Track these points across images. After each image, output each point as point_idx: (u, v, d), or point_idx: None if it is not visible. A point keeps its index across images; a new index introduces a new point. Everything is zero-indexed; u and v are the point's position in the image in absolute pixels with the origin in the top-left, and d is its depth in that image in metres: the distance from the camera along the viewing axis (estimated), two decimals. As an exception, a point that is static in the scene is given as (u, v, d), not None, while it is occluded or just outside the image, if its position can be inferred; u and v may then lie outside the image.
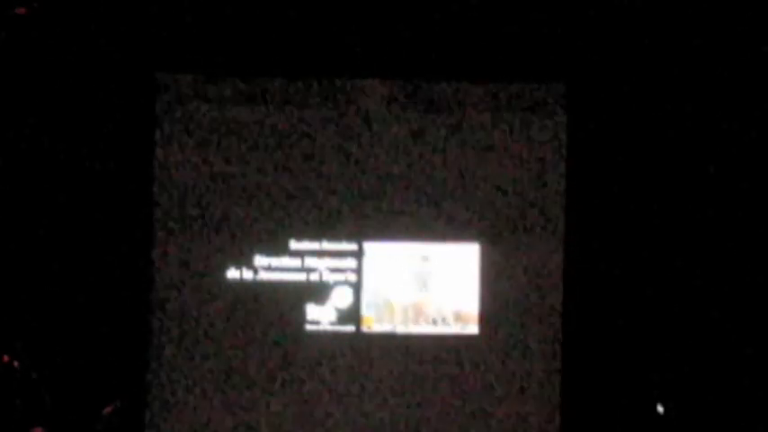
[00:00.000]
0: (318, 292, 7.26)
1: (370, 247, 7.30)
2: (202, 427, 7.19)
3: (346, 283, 7.27)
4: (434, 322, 7.27)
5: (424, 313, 7.26)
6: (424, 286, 7.27)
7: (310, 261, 7.28)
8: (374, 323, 7.27)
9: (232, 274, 7.24)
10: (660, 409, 7.17)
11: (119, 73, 7.13)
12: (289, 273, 7.27)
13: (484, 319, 7.25)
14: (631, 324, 7.16)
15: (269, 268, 7.26)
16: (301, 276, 7.27)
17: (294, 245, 7.28)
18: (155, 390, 7.15)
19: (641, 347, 7.16)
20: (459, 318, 7.26)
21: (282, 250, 7.27)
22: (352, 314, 7.26)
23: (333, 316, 7.27)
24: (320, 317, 7.26)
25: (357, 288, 7.27)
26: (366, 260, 7.29)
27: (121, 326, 7.08)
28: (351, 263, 7.28)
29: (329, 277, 7.27)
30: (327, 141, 7.33)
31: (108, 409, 6.88)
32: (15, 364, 6.81)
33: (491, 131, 7.34)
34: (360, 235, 7.31)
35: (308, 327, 7.25)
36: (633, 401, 7.16)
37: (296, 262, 7.27)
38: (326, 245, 7.29)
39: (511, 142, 7.34)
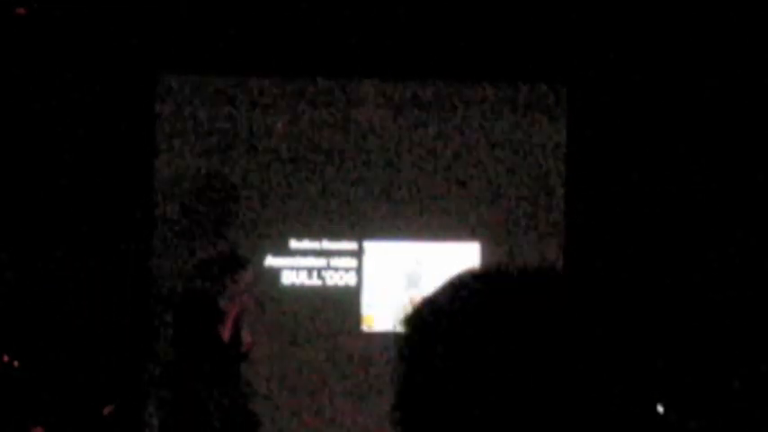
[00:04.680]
0: (318, 291, 7.27)
1: (370, 247, 7.30)
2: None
3: (346, 282, 7.29)
4: (434, 322, 7.27)
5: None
6: (424, 285, 7.27)
7: (310, 261, 7.28)
8: (374, 322, 7.27)
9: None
10: (660, 409, 7.17)
11: (120, 73, 7.13)
12: (289, 272, 7.28)
13: (484, 318, 7.25)
14: (631, 323, 7.15)
15: (269, 267, 7.26)
16: (301, 275, 7.27)
17: (294, 245, 7.29)
18: (154, 390, 7.15)
19: (641, 346, 7.15)
20: (459, 317, 7.26)
21: (282, 250, 7.28)
22: (352, 313, 7.27)
23: (333, 315, 7.27)
24: (320, 316, 7.26)
25: (357, 288, 7.28)
26: (366, 260, 7.29)
27: (121, 326, 7.08)
28: (351, 262, 7.29)
29: (329, 277, 7.28)
30: (327, 142, 7.33)
31: (108, 409, 6.88)
32: (15, 364, 6.82)
33: (491, 131, 7.35)
34: (360, 235, 7.32)
35: (309, 326, 7.25)
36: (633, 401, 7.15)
37: (296, 261, 7.28)
38: (326, 244, 7.29)
39: (511, 142, 7.35)
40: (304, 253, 7.29)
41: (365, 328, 7.26)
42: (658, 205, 7.23)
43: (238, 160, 7.29)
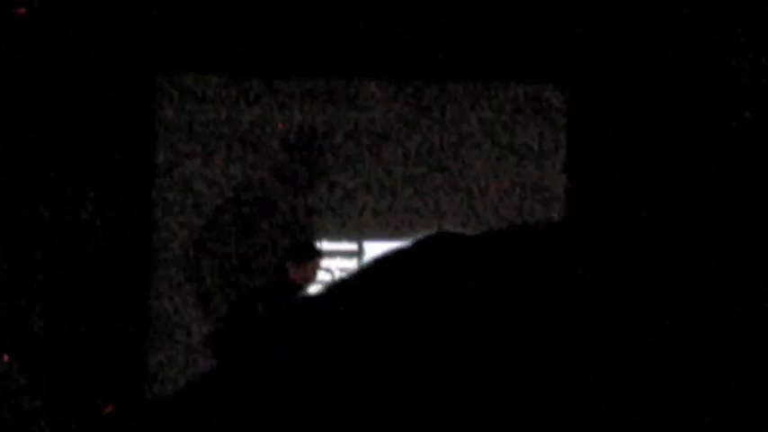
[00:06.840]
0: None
1: (370, 247, 7.29)
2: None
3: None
4: (434, 322, 7.26)
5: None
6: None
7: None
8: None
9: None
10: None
11: (119, 74, 7.13)
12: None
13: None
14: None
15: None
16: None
17: (294, 245, 7.28)
18: (154, 389, 7.16)
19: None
20: (459, 317, 7.25)
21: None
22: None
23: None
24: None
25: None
26: (366, 260, 7.28)
27: (122, 326, 7.08)
28: (351, 263, 7.28)
29: (329, 277, 7.28)
30: (327, 142, 7.33)
31: (108, 409, 6.87)
32: (15, 364, 6.81)
33: (491, 131, 7.35)
34: (360, 235, 7.30)
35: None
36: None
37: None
38: (326, 245, 7.28)
39: (511, 142, 7.34)
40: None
41: (365, 328, 7.25)
42: (659, 204, 7.23)
43: (238, 160, 7.28)
